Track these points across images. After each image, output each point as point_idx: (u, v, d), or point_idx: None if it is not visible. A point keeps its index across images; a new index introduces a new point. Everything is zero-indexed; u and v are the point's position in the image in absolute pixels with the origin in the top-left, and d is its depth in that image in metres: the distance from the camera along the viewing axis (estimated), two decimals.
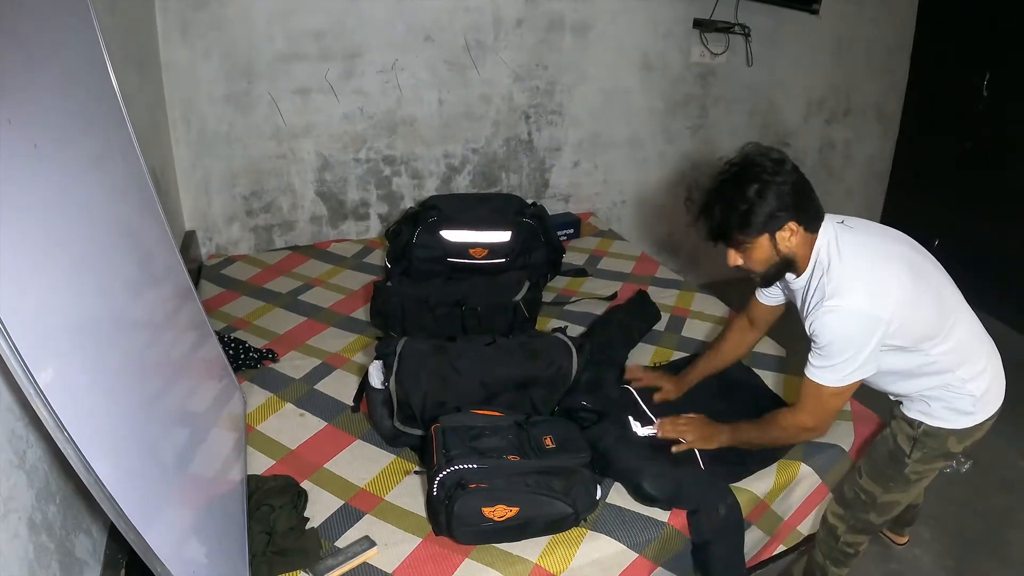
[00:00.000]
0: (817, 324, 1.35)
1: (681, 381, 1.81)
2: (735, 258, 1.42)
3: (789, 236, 1.36)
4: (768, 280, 1.48)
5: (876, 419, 1.79)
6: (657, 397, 1.78)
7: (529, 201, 2.57)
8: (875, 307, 1.31)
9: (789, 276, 1.45)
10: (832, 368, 1.36)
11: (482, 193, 2.99)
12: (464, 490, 1.33)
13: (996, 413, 1.49)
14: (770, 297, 1.66)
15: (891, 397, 1.56)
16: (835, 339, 1.33)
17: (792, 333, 2.92)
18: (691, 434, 1.60)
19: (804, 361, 1.43)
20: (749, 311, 1.74)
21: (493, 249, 2.37)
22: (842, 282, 1.33)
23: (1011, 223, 3.18)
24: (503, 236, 2.36)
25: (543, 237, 2.44)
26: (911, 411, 1.50)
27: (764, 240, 1.36)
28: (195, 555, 1.07)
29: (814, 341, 1.39)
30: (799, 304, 1.49)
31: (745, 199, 1.32)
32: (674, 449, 1.59)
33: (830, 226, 1.41)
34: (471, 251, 2.36)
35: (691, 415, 1.66)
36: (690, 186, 1.44)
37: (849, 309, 1.31)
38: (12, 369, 0.74)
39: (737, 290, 3.48)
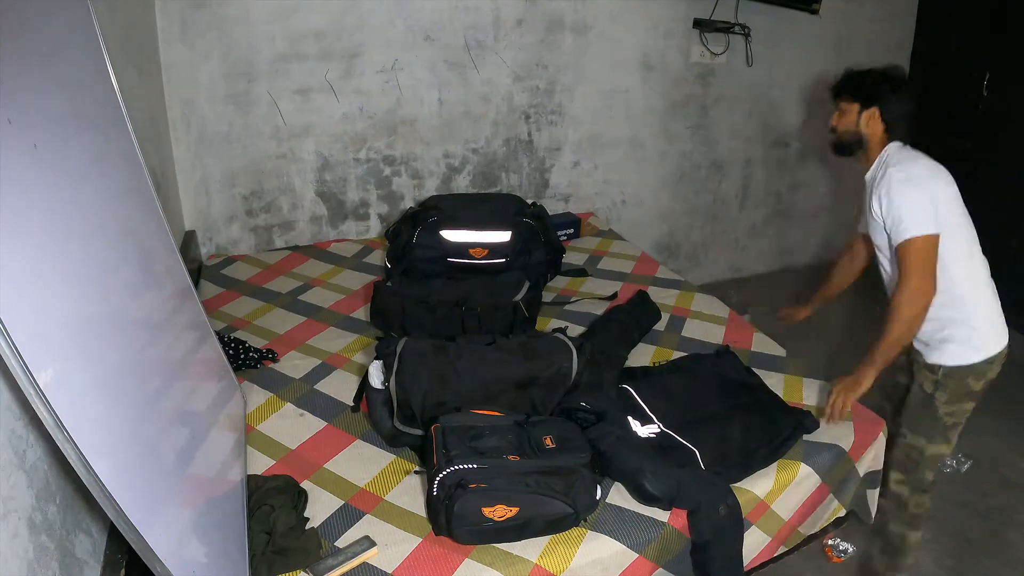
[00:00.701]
0: (884, 190, 1.67)
1: (805, 307, 2.24)
2: (836, 118, 1.83)
3: (868, 119, 1.76)
4: (840, 144, 1.84)
5: (877, 419, 1.79)
6: (783, 318, 2.24)
7: (529, 201, 2.57)
8: (928, 175, 1.68)
9: (860, 169, 1.83)
10: (911, 222, 1.62)
11: (482, 193, 2.99)
12: (464, 490, 1.33)
13: (1004, 350, 1.76)
14: (863, 226, 1.93)
15: (914, 345, 1.82)
16: (904, 193, 1.64)
17: (792, 333, 2.93)
18: (845, 396, 1.69)
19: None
20: (851, 243, 2.13)
21: (493, 249, 2.37)
22: (902, 160, 1.71)
23: (1011, 223, 3.18)
24: (503, 236, 2.36)
25: (543, 237, 2.44)
26: (931, 358, 1.78)
27: (854, 109, 1.78)
28: (195, 555, 1.07)
29: (890, 213, 1.66)
30: (868, 193, 1.78)
31: (862, 76, 1.79)
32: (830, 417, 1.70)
33: (901, 144, 1.78)
34: (471, 251, 2.36)
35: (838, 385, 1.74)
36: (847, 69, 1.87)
37: (909, 170, 1.68)
38: (12, 369, 0.74)
39: (736, 289, 3.50)
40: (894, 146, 1.76)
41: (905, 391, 1.91)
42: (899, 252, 1.65)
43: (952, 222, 1.66)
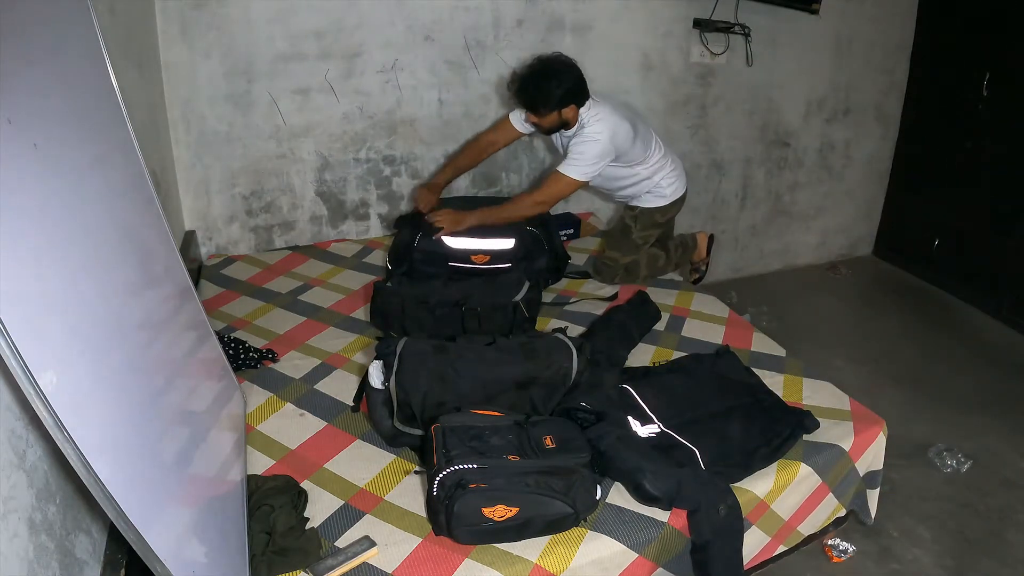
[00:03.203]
0: (575, 142, 2.27)
1: (434, 186, 2.55)
2: (533, 119, 2.30)
3: (566, 112, 2.25)
4: (550, 132, 2.36)
5: (877, 419, 1.79)
6: (429, 189, 2.52)
7: None
8: (607, 140, 2.24)
9: (564, 131, 2.34)
10: (576, 166, 2.25)
11: (490, 197, 2.98)
12: (464, 490, 1.33)
13: (681, 196, 2.55)
14: (523, 127, 2.44)
15: (619, 199, 2.63)
16: (584, 151, 2.24)
17: (791, 334, 2.93)
18: (444, 222, 2.31)
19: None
20: (497, 129, 2.54)
21: (496, 256, 2.36)
22: (592, 123, 2.26)
23: (1011, 223, 3.18)
24: (507, 244, 2.36)
25: (547, 244, 2.44)
26: (631, 203, 2.55)
27: (555, 114, 2.25)
28: (195, 555, 1.07)
29: (569, 154, 2.28)
30: (565, 143, 2.38)
31: (550, 92, 2.19)
32: (438, 236, 2.31)
33: (590, 100, 2.30)
34: (473, 257, 2.36)
35: (443, 210, 2.37)
36: (512, 75, 2.34)
37: (595, 137, 2.24)
38: (12, 369, 0.74)
39: (737, 290, 3.50)
40: (584, 111, 2.28)
41: None
42: (550, 175, 2.31)
43: (629, 145, 2.31)
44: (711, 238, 2.86)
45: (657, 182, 2.46)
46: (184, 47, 2.45)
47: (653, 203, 2.50)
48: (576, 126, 2.29)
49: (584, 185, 2.33)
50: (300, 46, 2.58)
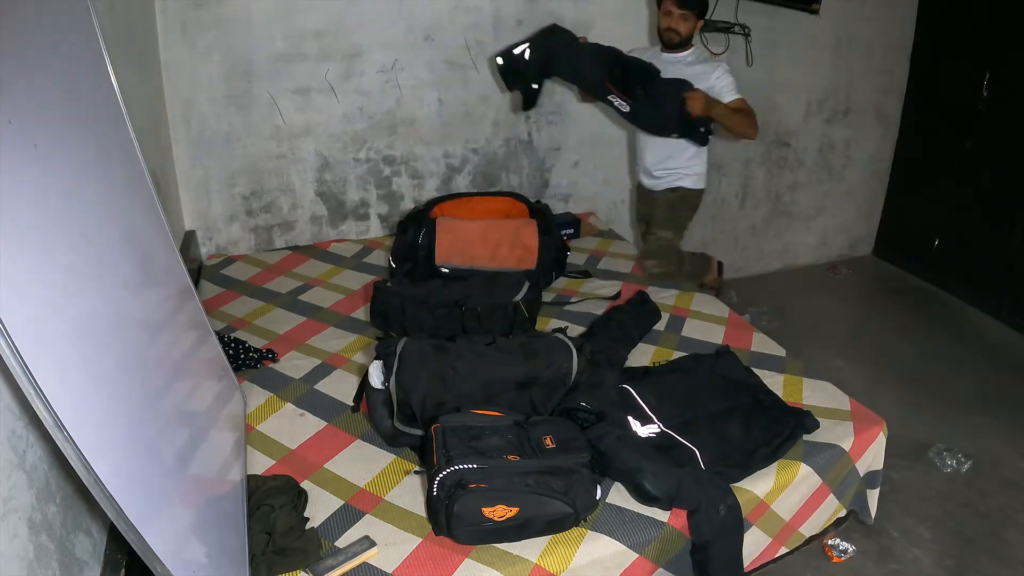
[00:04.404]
0: (716, 77, 2.40)
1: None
2: (679, 22, 2.41)
3: (696, 27, 2.45)
4: (679, 44, 2.45)
5: (877, 419, 1.79)
6: None
7: (533, 200, 2.59)
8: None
9: (673, 53, 2.48)
10: (733, 91, 2.39)
11: (486, 193, 2.98)
12: (464, 490, 1.33)
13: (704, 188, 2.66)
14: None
15: (659, 172, 2.61)
16: (731, 80, 2.40)
17: (791, 334, 2.93)
18: (698, 100, 2.33)
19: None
20: None
21: None
22: (713, 62, 2.46)
23: (1011, 223, 3.18)
24: None
25: (546, 236, 2.44)
26: (672, 184, 2.59)
27: (693, 18, 2.41)
28: (195, 555, 1.07)
29: (721, 90, 2.38)
30: (684, 72, 2.42)
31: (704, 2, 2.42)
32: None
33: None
34: None
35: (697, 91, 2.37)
36: None
37: (725, 70, 2.41)
38: (12, 369, 0.74)
39: (737, 290, 3.49)
40: (697, 39, 2.53)
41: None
42: (737, 102, 2.40)
43: None
44: (720, 264, 2.88)
45: (697, 164, 2.57)
46: (184, 47, 2.45)
47: (694, 185, 2.59)
48: (692, 54, 2.48)
49: None
50: (300, 46, 2.58)
